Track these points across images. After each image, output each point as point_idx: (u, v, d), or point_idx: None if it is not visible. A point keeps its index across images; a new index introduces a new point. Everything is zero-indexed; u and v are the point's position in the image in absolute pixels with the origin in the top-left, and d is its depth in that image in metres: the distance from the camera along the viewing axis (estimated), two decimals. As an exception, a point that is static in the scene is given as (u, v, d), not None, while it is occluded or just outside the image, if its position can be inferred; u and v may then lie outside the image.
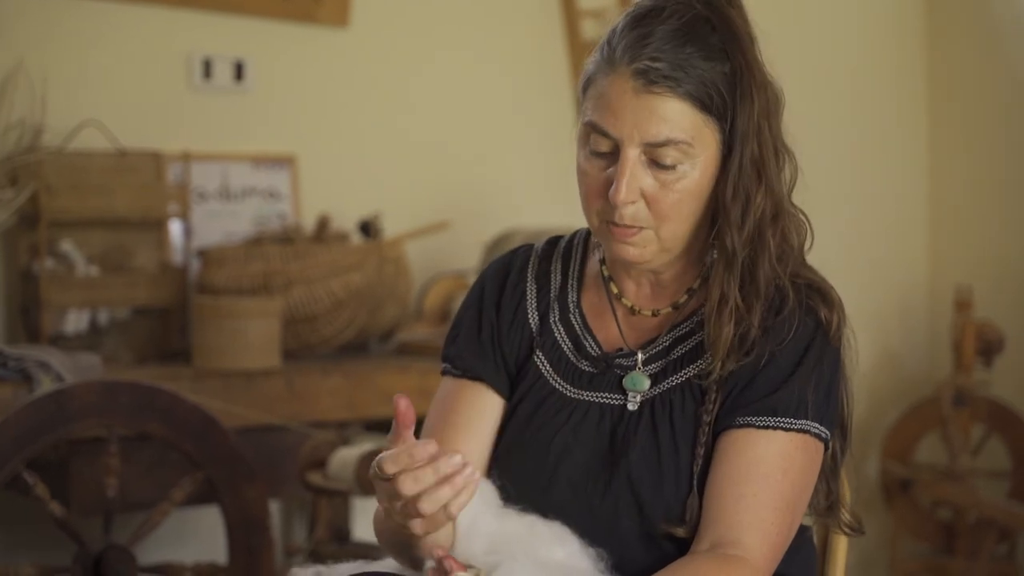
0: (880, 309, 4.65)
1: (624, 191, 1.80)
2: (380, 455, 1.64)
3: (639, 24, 1.81)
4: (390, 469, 1.62)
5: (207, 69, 3.81)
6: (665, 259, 1.88)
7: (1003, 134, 4.53)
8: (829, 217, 4.52)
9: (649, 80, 1.78)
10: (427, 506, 1.62)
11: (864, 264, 4.60)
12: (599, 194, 1.84)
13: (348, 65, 4.00)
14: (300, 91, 3.95)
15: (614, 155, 1.82)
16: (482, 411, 1.95)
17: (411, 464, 1.62)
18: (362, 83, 4.02)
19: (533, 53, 4.20)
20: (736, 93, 1.81)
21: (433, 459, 1.62)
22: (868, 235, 4.67)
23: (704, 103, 1.80)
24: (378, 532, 1.93)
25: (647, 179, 1.81)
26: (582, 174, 1.86)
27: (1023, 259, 4.44)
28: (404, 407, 1.65)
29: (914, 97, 4.73)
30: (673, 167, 1.80)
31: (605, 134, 1.81)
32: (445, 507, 1.63)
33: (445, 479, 1.61)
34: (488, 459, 1.94)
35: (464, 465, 1.62)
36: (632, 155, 1.80)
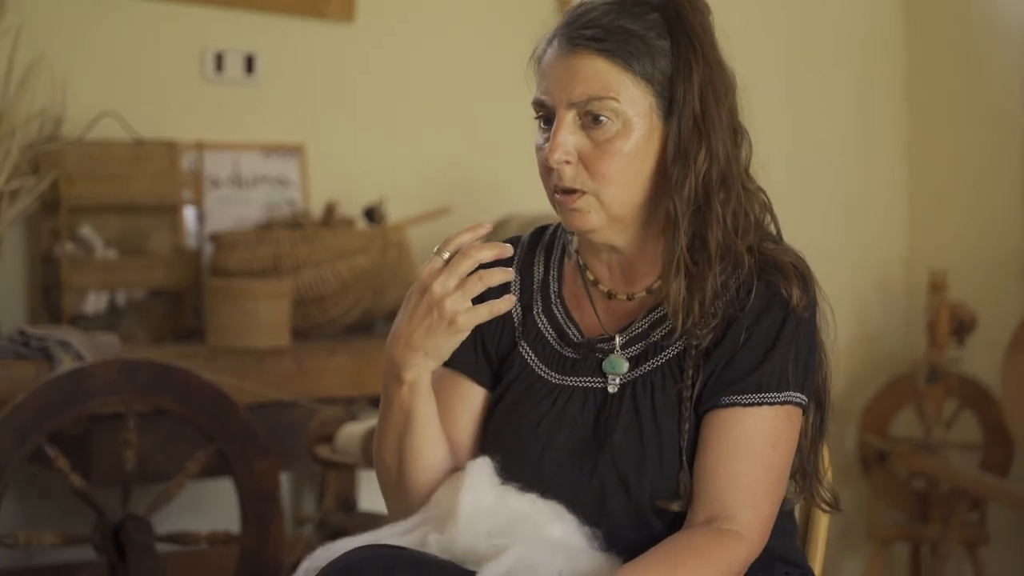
0: (860, 291, 4.66)
1: (558, 151, 1.82)
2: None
3: (578, 8, 1.87)
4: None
5: (219, 63, 3.82)
6: (618, 230, 1.87)
7: (979, 123, 4.51)
8: (813, 204, 4.45)
9: (575, 44, 1.82)
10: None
11: (845, 249, 4.59)
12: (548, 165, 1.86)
13: (354, 58, 3.99)
14: (308, 83, 3.94)
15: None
16: (462, 401, 1.96)
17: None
18: (367, 75, 4.01)
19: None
20: (677, 60, 1.81)
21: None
22: (849, 221, 4.66)
23: (626, 61, 1.81)
24: (378, 451, 1.95)
25: (583, 141, 1.83)
26: (536, 151, 1.87)
27: (996, 244, 4.43)
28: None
29: (892, 84, 4.69)
30: (602, 124, 1.81)
31: (542, 104, 1.85)
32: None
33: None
34: (470, 446, 1.95)
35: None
36: (564, 117, 1.82)
